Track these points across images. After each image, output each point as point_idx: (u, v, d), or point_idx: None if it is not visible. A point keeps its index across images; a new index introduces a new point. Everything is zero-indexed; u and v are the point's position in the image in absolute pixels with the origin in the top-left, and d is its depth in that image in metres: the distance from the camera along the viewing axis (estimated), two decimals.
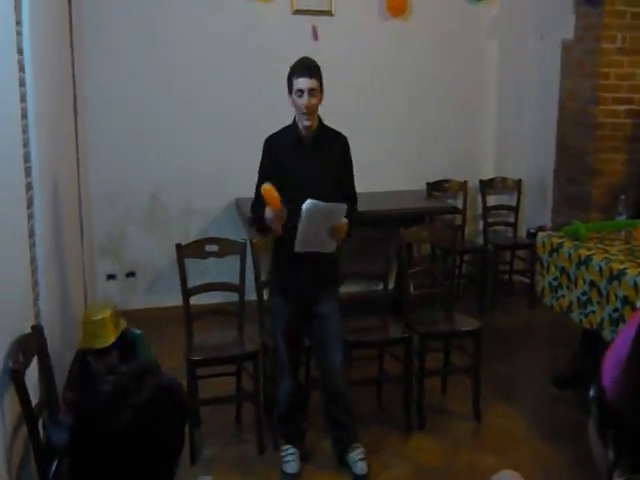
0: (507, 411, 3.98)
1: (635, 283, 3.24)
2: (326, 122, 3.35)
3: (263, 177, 3.23)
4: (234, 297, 3.83)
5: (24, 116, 3.02)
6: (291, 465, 3.37)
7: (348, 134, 3.39)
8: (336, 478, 3.35)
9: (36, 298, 3.09)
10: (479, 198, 5.94)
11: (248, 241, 3.82)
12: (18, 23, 2.99)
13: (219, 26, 5.28)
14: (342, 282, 3.58)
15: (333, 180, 3.30)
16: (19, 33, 2.99)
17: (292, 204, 3.07)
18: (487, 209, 5.88)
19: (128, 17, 5.10)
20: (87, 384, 2.72)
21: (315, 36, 5.39)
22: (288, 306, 3.36)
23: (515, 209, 5.91)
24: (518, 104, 5.98)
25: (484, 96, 6.01)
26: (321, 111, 3.29)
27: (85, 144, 5.00)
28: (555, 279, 3.91)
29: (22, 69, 3.02)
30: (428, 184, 5.81)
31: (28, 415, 2.52)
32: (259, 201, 3.19)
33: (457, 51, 5.86)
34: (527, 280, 5.64)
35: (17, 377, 2.47)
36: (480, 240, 5.94)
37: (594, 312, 3.56)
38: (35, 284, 3.09)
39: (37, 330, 2.82)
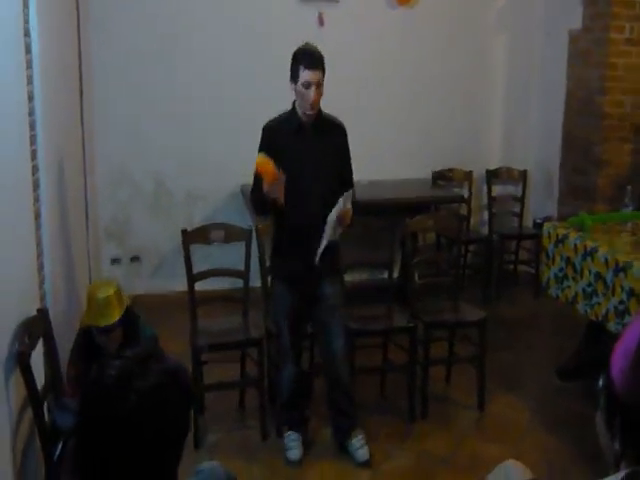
0: (511, 401, 3.98)
1: None
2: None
3: None
4: (239, 283, 3.83)
5: (30, 99, 3.01)
6: (294, 452, 3.38)
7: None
8: (338, 466, 3.36)
9: (41, 281, 3.09)
10: (484, 188, 5.91)
11: (253, 227, 3.82)
12: (26, 6, 2.98)
13: (225, 12, 5.25)
14: (344, 269, 3.57)
15: (333, 165, 3.35)
16: (26, 21, 2.98)
17: (292, 189, 3.11)
18: (492, 199, 5.86)
19: (133, 3, 5.07)
20: (92, 360, 2.71)
21: (321, 22, 5.37)
22: (290, 293, 3.37)
23: (521, 199, 5.89)
24: (524, 94, 5.95)
25: (491, 85, 5.97)
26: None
27: (91, 128, 4.99)
28: (560, 270, 3.90)
29: (29, 51, 3.01)
30: (433, 173, 5.79)
31: (33, 397, 2.53)
32: (258, 186, 3.20)
33: (464, 40, 5.81)
34: (532, 270, 5.62)
35: (23, 360, 2.47)
36: (485, 230, 5.92)
37: (599, 304, 3.55)
38: (40, 267, 3.09)
39: (42, 313, 2.82)
